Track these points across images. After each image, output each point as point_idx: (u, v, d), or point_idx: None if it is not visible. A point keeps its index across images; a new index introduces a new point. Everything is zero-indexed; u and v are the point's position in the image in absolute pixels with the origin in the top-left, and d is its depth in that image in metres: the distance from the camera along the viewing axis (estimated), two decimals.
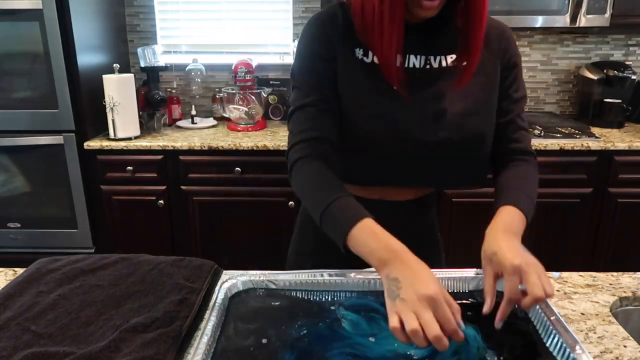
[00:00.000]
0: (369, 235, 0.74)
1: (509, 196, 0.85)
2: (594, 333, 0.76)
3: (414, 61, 0.88)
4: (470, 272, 0.88)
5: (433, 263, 1.03)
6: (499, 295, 0.73)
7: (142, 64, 2.41)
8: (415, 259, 0.70)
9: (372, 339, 0.72)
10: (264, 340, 0.73)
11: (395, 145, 0.89)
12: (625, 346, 0.72)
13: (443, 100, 0.88)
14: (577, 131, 2.25)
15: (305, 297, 0.84)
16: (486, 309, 0.72)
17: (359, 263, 0.77)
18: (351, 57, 0.89)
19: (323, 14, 0.92)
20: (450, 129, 0.88)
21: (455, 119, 0.88)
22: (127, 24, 2.64)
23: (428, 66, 0.89)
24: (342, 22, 0.89)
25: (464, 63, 0.87)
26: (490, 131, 0.93)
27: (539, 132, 2.22)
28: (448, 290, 0.85)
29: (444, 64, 0.89)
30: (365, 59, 0.89)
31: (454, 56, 0.89)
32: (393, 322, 0.64)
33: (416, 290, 0.64)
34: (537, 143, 2.13)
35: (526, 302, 0.69)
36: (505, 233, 0.77)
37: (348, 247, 0.76)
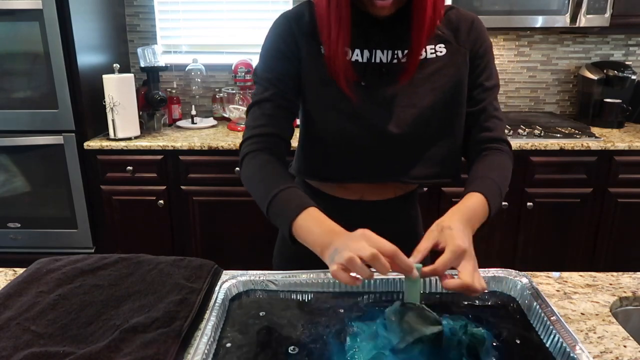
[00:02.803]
0: (313, 223, 0.76)
1: (479, 184, 0.85)
2: (594, 333, 0.76)
3: (381, 56, 0.89)
4: None
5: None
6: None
7: (142, 64, 2.41)
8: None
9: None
10: (264, 341, 0.73)
11: (364, 140, 0.90)
12: (625, 346, 0.72)
13: (411, 93, 0.89)
14: (577, 131, 2.25)
15: (305, 298, 0.84)
16: (414, 260, 0.71)
17: None
18: (316, 54, 0.90)
19: (290, 13, 0.94)
20: (418, 121, 0.89)
21: (424, 112, 0.89)
22: (127, 24, 2.64)
23: (395, 60, 0.89)
24: (308, 20, 0.91)
25: (408, 57, 0.88)
26: (459, 123, 0.93)
27: (539, 132, 2.22)
28: (447, 291, 0.86)
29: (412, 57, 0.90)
30: None
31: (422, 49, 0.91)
32: (332, 267, 0.67)
33: (349, 237, 0.69)
34: (537, 143, 2.13)
35: (450, 283, 0.70)
36: (465, 221, 0.77)
37: (294, 237, 0.78)
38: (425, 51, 0.90)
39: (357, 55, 0.89)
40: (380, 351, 0.66)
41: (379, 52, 0.89)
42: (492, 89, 0.94)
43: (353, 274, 0.67)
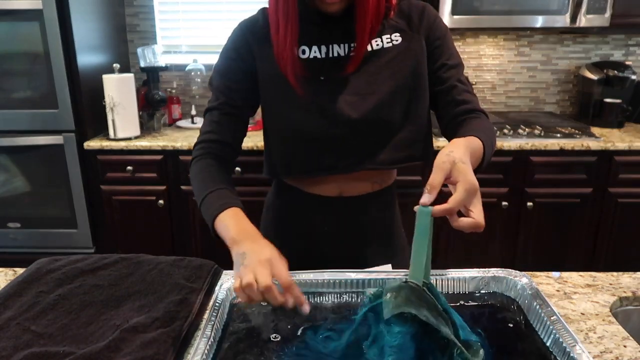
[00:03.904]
0: (231, 219, 0.84)
1: (473, 133, 0.83)
2: (594, 333, 0.76)
3: (338, 50, 0.93)
4: (470, 273, 0.88)
5: (395, 258, 1.04)
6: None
7: (142, 64, 2.41)
8: (265, 241, 0.79)
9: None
10: (264, 341, 0.73)
11: (326, 130, 0.92)
12: (625, 346, 0.72)
13: (371, 82, 0.92)
14: (577, 131, 2.25)
15: (305, 298, 0.84)
16: (426, 199, 0.67)
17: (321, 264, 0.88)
18: (270, 55, 0.92)
19: (245, 21, 1.00)
20: (379, 107, 0.92)
21: (385, 98, 0.92)
22: (127, 24, 2.64)
23: (353, 53, 0.92)
24: (262, 24, 0.95)
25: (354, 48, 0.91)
26: (422, 106, 0.95)
27: (539, 132, 2.22)
28: (447, 291, 0.86)
29: (369, 48, 0.92)
30: None
31: (378, 40, 0.93)
32: (235, 283, 0.73)
33: (257, 256, 0.74)
34: (537, 143, 2.13)
35: (463, 222, 0.68)
36: (470, 155, 0.75)
37: (216, 232, 0.85)
38: (382, 41, 0.94)
39: (315, 51, 0.93)
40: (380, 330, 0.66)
41: (335, 47, 0.93)
42: (456, 67, 0.96)
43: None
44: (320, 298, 0.85)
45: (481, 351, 0.64)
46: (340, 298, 0.85)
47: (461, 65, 0.98)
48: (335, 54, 0.93)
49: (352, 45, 0.92)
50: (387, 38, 0.94)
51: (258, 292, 0.70)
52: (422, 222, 0.67)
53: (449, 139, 0.93)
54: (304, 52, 0.92)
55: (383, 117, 0.92)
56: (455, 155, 0.71)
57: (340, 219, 1.00)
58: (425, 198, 0.67)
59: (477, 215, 0.68)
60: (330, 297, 0.85)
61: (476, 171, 0.78)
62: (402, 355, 0.63)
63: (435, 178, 0.68)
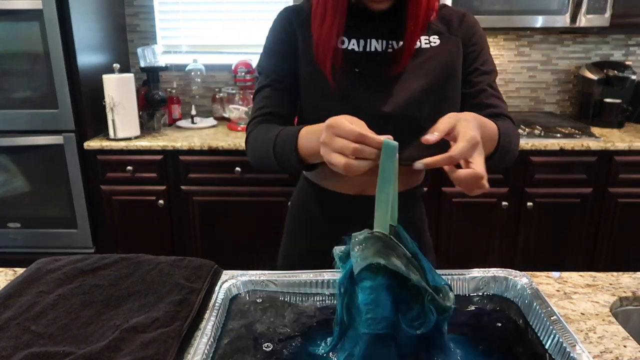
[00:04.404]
0: (309, 131, 0.82)
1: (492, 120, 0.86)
2: (594, 333, 0.75)
3: (376, 45, 0.95)
4: (470, 273, 0.88)
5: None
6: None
7: (142, 64, 2.41)
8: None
9: None
10: (264, 341, 0.73)
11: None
12: (625, 346, 0.72)
13: (404, 79, 0.93)
14: (577, 131, 2.25)
15: (306, 298, 0.84)
16: (431, 138, 0.69)
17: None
18: (309, 45, 0.95)
19: (290, 7, 1.02)
20: (410, 102, 0.93)
21: (416, 95, 0.93)
22: (127, 24, 2.64)
23: (390, 49, 0.94)
24: (307, 12, 0.97)
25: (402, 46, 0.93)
26: (452, 108, 0.96)
27: (539, 132, 2.22)
28: None
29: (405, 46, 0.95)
30: None
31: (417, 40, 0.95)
32: (336, 159, 0.68)
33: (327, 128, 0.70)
34: (537, 143, 2.13)
35: (461, 173, 0.68)
36: (480, 122, 0.76)
37: (302, 160, 0.83)
38: (420, 41, 0.95)
39: (353, 44, 0.94)
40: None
41: (374, 42, 0.95)
42: (489, 73, 0.99)
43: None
44: (320, 298, 0.84)
45: (450, 294, 0.63)
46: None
47: (494, 72, 1.00)
48: (372, 49, 0.94)
49: (390, 43, 0.94)
50: (425, 39, 0.96)
51: (354, 144, 0.66)
52: (386, 165, 0.65)
53: None
54: (342, 42, 0.94)
55: (412, 113, 0.93)
56: (461, 115, 0.73)
57: (364, 219, 0.98)
58: (428, 136, 0.69)
59: (477, 166, 0.67)
60: (331, 297, 0.84)
61: (489, 158, 0.82)
62: (380, 310, 0.60)
63: (439, 125, 0.71)
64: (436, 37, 0.96)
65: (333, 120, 0.69)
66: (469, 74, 0.98)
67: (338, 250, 0.68)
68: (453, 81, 0.96)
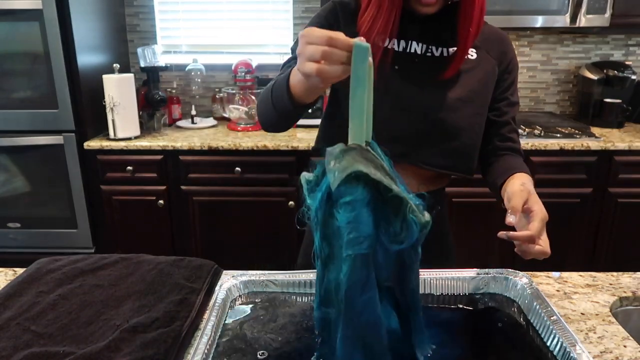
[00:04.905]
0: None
1: (517, 168, 0.97)
2: (594, 333, 0.76)
3: (416, 47, 0.97)
4: (470, 273, 0.88)
5: (447, 262, 1.04)
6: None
7: (142, 64, 2.40)
8: None
9: None
10: (264, 341, 0.73)
11: (387, 113, 0.93)
12: (625, 346, 0.72)
13: (440, 84, 0.95)
14: (577, 131, 2.25)
15: (306, 298, 0.84)
16: (513, 220, 0.81)
17: None
18: (351, 36, 0.93)
19: (338, 0, 1.02)
20: (442, 107, 0.95)
21: (451, 102, 0.95)
22: (127, 24, 2.64)
23: (429, 53, 0.97)
24: (354, 8, 0.98)
25: (454, 54, 0.95)
26: (480, 121, 0.99)
27: (539, 132, 2.22)
28: (447, 291, 0.86)
29: (444, 53, 0.96)
30: None
31: (455, 48, 0.96)
32: (306, 67, 0.66)
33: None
34: (537, 143, 2.13)
35: (533, 249, 0.77)
36: (533, 190, 0.87)
37: (295, 99, 0.80)
38: None
39: (393, 43, 0.96)
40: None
41: (414, 44, 0.97)
42: (515, 105, 1.03)
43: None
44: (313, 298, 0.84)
45: (426, 213, 0.60)
46: None
47: (518, 105, 1.04)
48: (412, 50, 0.97)
49: (430, 47, 0.96)
50: None
51: (323, 47, 0.63)
52: (358, 67, 0.61)
53: (482, 164, 1.04)
54: (384, 40, 0.95)
55: (446, 119, 0.95)
56: (529, 187, 0.87)
57: None
58: (510, 218, 0.81)
59: (544, 244, 0.77)
60: None
61: None
62: (362, 227, 0.57)
63: (518, 203, 0.81)
64: (474, 50, 0.98)
65: (306, 29, 0.68)
66: (499, 101, 1.01)
67: (306, 176, 0.63)
68: (484, 99, 0.99)
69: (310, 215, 0.62)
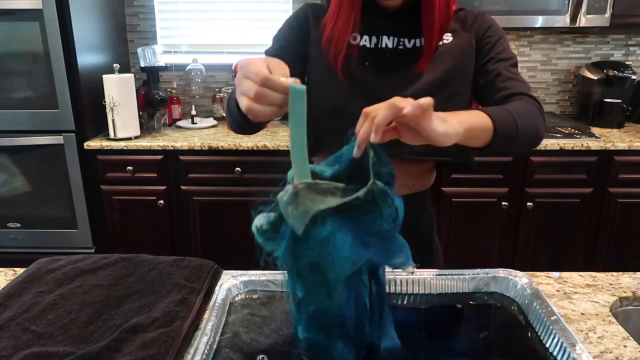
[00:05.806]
0: None
1: (485, 110, 0.82)
2: (594, 333, 0.76)
3: (387, 42, 0.97)
4: (470, 273, 0.88)
5: (433, 263, 1.03)
6: None
7: (142, 64, 2.40)
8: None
9: None
10: (264, 341, 0.73)
11: (363, 106, 0.90)
12: (625, 346, 0.72)
13: (413, 75, 0.95)
14: (577, 131, 2.25)
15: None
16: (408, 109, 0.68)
17: None
18: (321, 38, 0.97)
19: (309, 3, 1.06)
20: (417, 94, 0.90)
21: (425, 88, 0.94)
22: (127, 24, 2.64)
23: (401, 46, 0.97)
24: (325, 9, 1.00)
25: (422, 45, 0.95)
26: (459, 102, 0.96)
27: None
28: (447, 291, 0.86)
29: (417, 44, 0.96)
30: None
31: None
32: (243, 101, 0.64)
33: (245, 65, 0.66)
34: None
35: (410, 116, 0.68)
36: (448, 113, 0.75)
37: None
38: None
39: (365, 40, 0.97)
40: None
41: (385, 38, 0.97)
42: (505, 60, 0.96)
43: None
44: None
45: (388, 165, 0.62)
46: None
47: (512, 59, 0.97)
48: (384, 45, 0.97)
49: (402, 40, 0.96)
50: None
51: (257, 87, 0.61)
52: (296, 108, 0.60)
53: None
54: (354, 38, 0.97)
55: None
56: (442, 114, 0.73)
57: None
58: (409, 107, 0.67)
59: (409, 102, 0.67)
60: None
61: (484, 149, 0.80)
62: (341, 252, 0.58)
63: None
64: (449, 34, 0.97)
65: (244, 61, 0.66)
66: (485, 64, 0.96)
67: (259, 224, 0.63)
68: (462, 77, 0.96)
69: (275, 260, 0.62)
